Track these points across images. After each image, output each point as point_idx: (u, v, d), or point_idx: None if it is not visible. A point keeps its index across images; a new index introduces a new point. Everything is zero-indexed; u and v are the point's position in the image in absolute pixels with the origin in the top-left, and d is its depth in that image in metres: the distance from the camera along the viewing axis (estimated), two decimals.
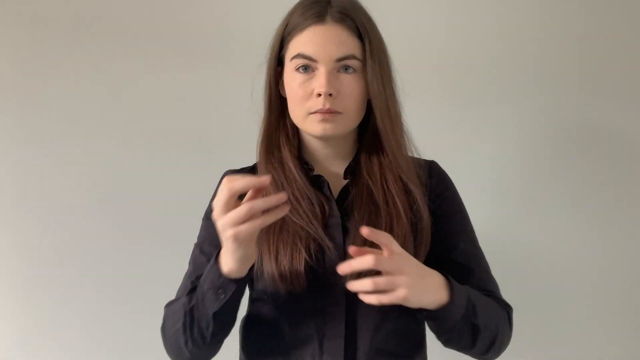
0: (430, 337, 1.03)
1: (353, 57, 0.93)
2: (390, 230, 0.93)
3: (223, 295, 0.87)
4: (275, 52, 0.98)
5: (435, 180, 1.03)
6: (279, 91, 1.00)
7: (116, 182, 1.53)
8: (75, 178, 1.53)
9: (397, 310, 0.94)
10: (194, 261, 1.03)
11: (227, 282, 0.86)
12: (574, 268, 1.50)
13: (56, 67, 1.54)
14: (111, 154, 1.53)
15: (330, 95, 0.92)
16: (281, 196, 0.78)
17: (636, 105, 1.50)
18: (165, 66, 1.53)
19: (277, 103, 1.00)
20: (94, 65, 1.53)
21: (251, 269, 0.97)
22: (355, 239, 0.93)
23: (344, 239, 0.95)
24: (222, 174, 1.07)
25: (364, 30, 0.94)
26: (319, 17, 0.93)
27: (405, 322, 0.97)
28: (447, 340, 0.92)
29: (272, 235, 0.94)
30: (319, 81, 0.92)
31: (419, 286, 0.81)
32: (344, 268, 0.80)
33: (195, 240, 1.05)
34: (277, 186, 0.98)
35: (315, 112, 0.93)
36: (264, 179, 0.78)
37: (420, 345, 1.01)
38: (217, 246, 0.99)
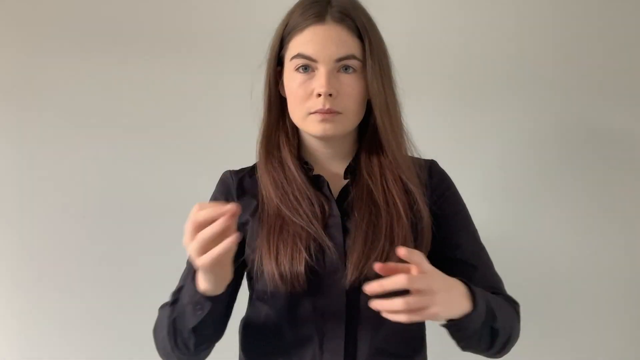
0: (430, 337, 1.03)
1: (353, 57, 0.93)
2: (390, 230, 0.93)
3: (200, 312, 0.87)
4: (275, 52, 0.98)
5: (435, 180, 1.03)
6: (279, 91, 1.00)
7: (116, 182, 1.53)
8: (75, 178, 1.53)
9: None
10: (189, 262, 1.03)
11: (203, 300, 0.87)
12: (575, 268, 1.51)
13: (56, 67, 1.54)
14: (111, 154, 1.53)
15: (330, 95, 0.92)
16: (225, 219, 0.76)
17: (637, 106, 1.50)
18: (165, 66, 1.53)
19: (276, 103, 1.00)
20: (94, 66, 1.53)
21: (251, 269, 0.97)
22: (356, 239, 0.93)
23: (344, 239, 0.95)
24: (221, 174, 1.08)
25: (364, 30, 0.94)
26: (319, 17, 0.93)
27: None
28: (467, 345, 0.93)
29: (272, 235, 0.94)
30: (319, 81, 0.92)
31: (448, 301, 0.80)
32: (373, 288, 0.76)
33: None
34: (277, 186, 0.98)
35: (315, 112, 0.93)
36: (228, 209, 0.76)
37: (420, 345, 1.01)
38: None
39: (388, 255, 0.91)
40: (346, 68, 0.93)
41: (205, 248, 0.77)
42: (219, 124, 1.53)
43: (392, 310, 0.77)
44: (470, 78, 1.51)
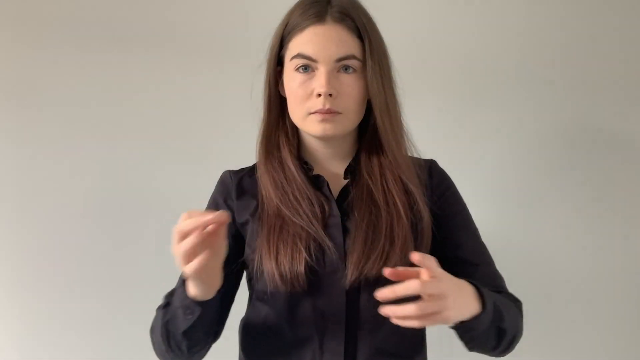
0: (430, 337, 1.03)
1: (353, 57, 0.93)
2: (390, 231, 0.93)
3: (190, 316, 0.87)
4: (274, 52, 0.98)
5: (435, 180, 1.03)
6: (279, 91, 1.00)
7: (115, 182, 1.53)
8: (74, 178, 1.53)
9: None
10: None
11: (193, 304, 0.87)
12: (576, 268, 1.50)
13: (56, 67, 1.53)
14: (110, 154, 1.53)
15: (330, 95, 0.92)
16: (198, 234, 0.76)
17: (638, 107, 1.50)
18: (165, 66, 1.53)
19: (276, 103, 1.00)
20: (94, 66, 1.53)
21: (251, 269, 0.98)
22: (356, 239, 0.93)
23: (344, 239, 0.95)
24: (221, 174, 1.08)
25: (364, 30, 0.94)
26: (319, 17, 0.93)
27: None
28: (474, 346, 0.93)
29: (272, 235, 0.94)
30: (319, 81, 0.92)
31: (459, 304, 0.80)
32: (385, 294, 0.75)
33: None
34: (276, 186, 0.98)
35: (315, 112, 0.93)
36: (212, 218, 0.76)
37: (420, 345, 1.01)
38: None
39: (388, 255, 0.91)
40: (346, 68, 0.93)
41: (190, 257, 0.77)
42: (219, 124, 1.52)
43: (405, 316, 0.75)
44: (471, 78, 1.51)
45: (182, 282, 0.88)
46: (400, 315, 0.75)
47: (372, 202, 0.96)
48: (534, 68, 1.50)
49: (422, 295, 0.75)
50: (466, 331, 0.86)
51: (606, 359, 1.50)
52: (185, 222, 0.77)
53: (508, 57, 1.51)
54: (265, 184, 0.99)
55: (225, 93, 1.51)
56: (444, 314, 0.76)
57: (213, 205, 1.05)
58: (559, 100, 1.50)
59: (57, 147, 1.53)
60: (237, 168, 1.07)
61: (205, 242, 0.78)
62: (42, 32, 1.54)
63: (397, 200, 0.95)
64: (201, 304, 0.86)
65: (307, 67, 0.93)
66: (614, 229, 1.50)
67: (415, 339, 1.00)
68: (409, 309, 0.74)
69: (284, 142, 1.01)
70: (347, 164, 1.01)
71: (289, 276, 0.91)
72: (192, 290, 0.85)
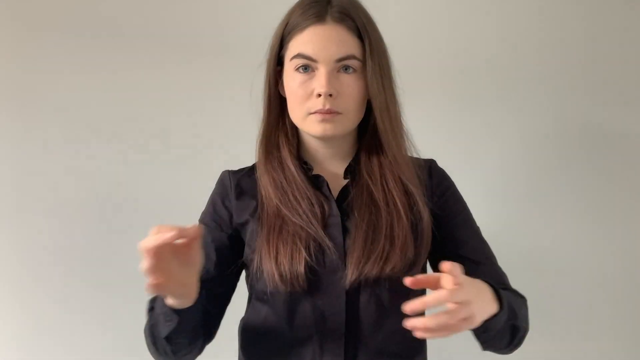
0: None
1: (353, 57, 0.93)
2: (390, 231, 0.93)
3: (170, 322, 0.87)
4: (274, 51, 0.98)
5: (435, 180, 1.03)
6: (279, 91, 1.00)
7: (115, 182, 1.53)
8: (74, 178, 1.53)
9: (398, 311, 0.94)
10: None
11: (170, 312, 0.86)
12: (578, 269, 1.51)
13: (55, 67, 1.53)
14: (110, 154, 1.53)
15: (330, 95, 0.92)
16: (150, 259, 0.73)
17: (638, 107, 1.50)
18: (165, 66, 1.53)
19: (276, 103, 1.00)
20: (93, 65, 1.53)
21: (250, 269, 0.97)
22: (356, 239, 0.93)
23: (344, 239, 0.94)
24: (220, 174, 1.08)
25: (364, 30, 0.94)
26: (319, 17, 0.93)
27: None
28: (489, 345, 0.93)
29: (272, 235, 0.94)
30: (319, 81, 0.92)
31: (482, 307, 0.79)
32: (415, 306, 0.71)
33: None
34: (276, 186, 0.98)
35: (315, 113, 0.93)
36: (180, 233, 0.73)
37: (420, 345, 1.01)
38: (208, 253, 1.00)
39: (388, 256, 0.91)
40: (346, 68, 0.93)
41: (153, 274, 0.75)
42: (218, 124, 1.52)
43: (439, 328, 0.72)
44: (470, 78, 1.51)
45: None
46: (432, 327, 0.72)
47: (372, 202, 0.96)
48: (534, 68, 1.51)
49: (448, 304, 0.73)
50: (484, 331, 0.84)
51: (606, 358, 1.50)
52: (146, 240, 0.74)
53: (508, 57, 1.51)
54: (265, 184, 0.99)
55: (225, 93, 1.51)
56: (470, 320, 0.74)
57: (211, 205, 1.05)
58: (559, 100, 1.51)
59: (57, 146, 1.53)
60: (236, 168, 1.07)
61: (178, 254, 0.76)
62: (42, 32, 1.54)
63: (397, 201, 0.95)
64: (179, 312, 0.85)
65: (307, 67, 0.93)
66: (614, 229, 1.51)
67: (415, 340, 0.99)
68: (441, 319, 0.71)
69: (284, 142, 1.01)
70: (347, 164, 1.01)
71: (288, 276, 0.91)
72: (169, 299, 0.84)
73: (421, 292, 1.01)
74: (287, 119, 1.00)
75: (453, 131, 1.51)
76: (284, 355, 0.95)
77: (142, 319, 0.97)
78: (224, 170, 1.07)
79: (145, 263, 0.73)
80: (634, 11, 1.50)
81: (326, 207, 0.96)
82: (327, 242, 0.93)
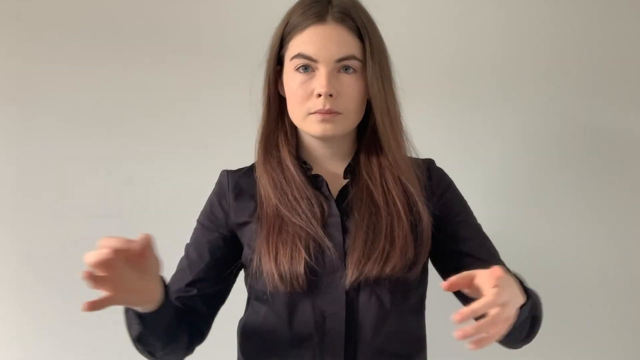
0: (430, 337, 1.03)
1: (353, 57, 0.93)
2: (390, 231, 0.93)
3: (136, 325, 0.86)
4: (274, 51, 0.98)
5: (435, 181, 1.03)
6: (278, 91, 1.00)
7: (114, 181, 1.53)
8: (74, 177, 1.53)
9: (398, 311, 0.94)
10: (179, 262, 1.04)
11: (134, 315, 0.85)
12: (578, 269, 1.50)
13: (55, 67, 1.53)
14: (110, 154, 1.53)
15: (331, 95, 0.92)
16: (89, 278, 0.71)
17: (638, 107, 1.50)
18: (164, 66, 1.53)
19: (276, 103, 1.00)
20: (94, 66, 1.53)
21: (250, 269, 0.97)
22: (356, 239, 0.93)
23: (344, 239, 0.94)
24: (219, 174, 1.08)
25: (364, 30, 0.94)
26: (320, 17, 0.93)
27: (405, 322, 0.97)
28: (509, 339, 0.88)
29: (271, 235, 0.94)
30: (320, 81, 0.92)
31: (515, 303, 0.77)
32: (465, 315, 0.68)
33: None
34: (275, 186, 0.98)
35: (315, 113, 0.93)
36: (107, 253, 0.71)
37: (420, 345, 1.01)
38: (201, 253, 1.00)
39: (388, 256, 0.91)
40: (346, 68, 0.93)
41: (101, 286, 0.73)
42: (218, 124, 1.52)
43: (497, 334, 0.70)
44: (471, 78, 1.51)
45: None
46: (493, 334, 0.70)
47: (372, 202, 0.96)
48: (534, 68, 1.50)
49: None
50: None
51: (606, 358, 1.50)
52: (87, 255, 0.73)
53: (508, 57, 1.51)
54: (264, 184, 0.99)
55: (224, 92, 1.50)
56: (509, 319, 0.73)
57: (208, 205, 1.05)
58: (559, 100, 1.50)
59: (57, 147, 1.53)
60: (236, 168, 1.07)
61: (133, 263, 0.75)
62: (42, 32, 1.53)
63: (397, 201, 0.95)
64: (143, 316, 0.84)
65: (307, 67, 0.93)
66: (615, 229, 1.50)
67: (415, 339, 1.00)
68: (485, 327, 0.69)
69: (283, 142, 1.01)
70: (347, 164, 1.01)
71: (288, 276, 0.91)
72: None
73: (422, 292, 1.02)
74: (286, 119, 1.00)
75: (453, 131, 1.50)
76: (284, 356, 0.94)
77: None
78: (222, 169, 1.07)
79: (86, 275, 0.71)
80: (635, 11, 1.50)
81: (326, 207, 0.96)
82: (327, 242, 0.93)
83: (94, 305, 0.72)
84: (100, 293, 0.73)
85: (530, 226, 1.51)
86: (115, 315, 1.49)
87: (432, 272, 1.04)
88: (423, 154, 1.04)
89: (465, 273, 0.76)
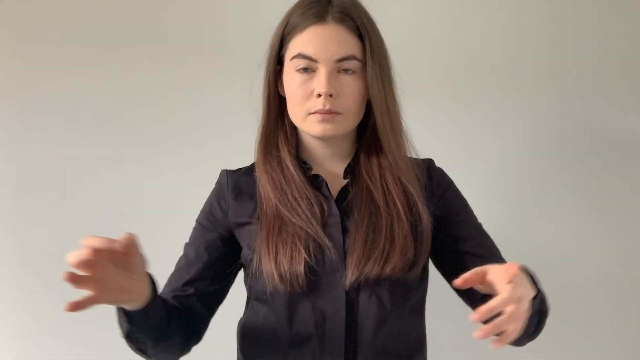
0: (430, 337, 1.03)
1: (353, 57, 0.93)
2: (390, 231, 0.93)
3: (125, 323, 0.85)
4: (274, 51, 0.98)
5: (435, 181, 1.03)
6: (278, 91, 1.00)
7: (114, 181, 1.53)
8: (74, 177, 1.53)
9: (398, 311, 0.94)
10: (178, 262, 1.04)
11: (121, 313, 0.84)
12: (578, 269, 1.50)
13: (55, 67, 1.53)
14: (109, 154, 1.53)
15: (331, 95, 0.92)
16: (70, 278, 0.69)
17: (638, 107, 1.50)
18: (164, 66, 1.53)
19: (275, 102, 1.00)
20: (94, 66, 1.53)
21: (250, 269, 0.97)
22: (356, 239, 0.93)
23: (344, 239, 0.94)
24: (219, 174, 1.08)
25: (364, 30, 0.94)
26: (320, 17, 0.93)
27: (406, 322, 0.96)
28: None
29: (271, 235, 0.94)
30: (320, 81, 0.92)
31: (528, 296, 0.77)
32: (482, 314, 0.68)
33: None
34: (275, 186, 0.98)
35: (315, 113, 0.93)
36: (86, 254, 0.70)
37: (420, 345, 1.01)
38: (199, 253, 1.00)
39: (388, 256, 0.91)
40: (346, 70, 0.93)
41: (86, 285, 0.72)
42: (218, 123, 1.52)
43: (515, 331, 0.70)
44: (471, 78, 1.51)
45: None
46: (515, 330, 0.70)
47: (371, 203, 0.96)
48: (534, 68, 1.50)
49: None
50: None
51: (606, 358, 1.50)
52: (69, 255, 0.72)
53: (508, 57, 1.51)
54: (264, 184, 0.99)
55: (224, 92, 1.50)
56: (524, 314, 0.73)
57: (207, 205, 1.05)
58: (559, 100, 1.50)
59: (57, 146, 1.53)
60: (235, 168, 1.07)
61: (116, 262, 0.75)
62: (42, 32, 1.53)
63: (397, 201, 0.95)
64: (130, 314, 0.83)
65: (307, 69, 0.93)
66: (615, 229, 1.50)
67: (415, 339, 1.00)
68: (505, 321, 0.69)
69: (283, 142, 1.01)
70: (347, 164, 1.01)
71: (288, 276, 0.91)
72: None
73: (422, 292, 1.02)
74: (286, 119, 1.00)
75: (453, 131, 1.50)
76: (284, 356, 0.94)
77: None
78: (222, 169, 1.07)
79: (67, 276, 0.69)
80: (636, 11, 1.50)
81: (325, 207, 0.96)
82: (327, 242, 0.93)
83: (78, 306, 0.71)
84: (84, 292, 0.72)
85: (530, 226, 1.51)
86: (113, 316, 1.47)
87: (432, 272, 1.04)
88: (423, 154, 1.04)
89: (477, 269, 0.76)
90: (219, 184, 1.06)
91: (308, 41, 0.92)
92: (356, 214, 0.95)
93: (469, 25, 1.51)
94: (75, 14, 1.54)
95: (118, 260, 0.75)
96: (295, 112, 0.96)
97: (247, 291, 1.02)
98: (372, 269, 0.90)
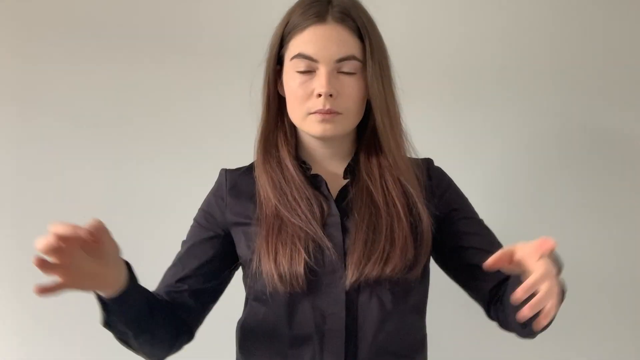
0: (431, 337, 1.03)
1: (353, 57, 0.93)
2: (390, 232, 0.93)
3: (102, 311, 0.84)
4: (274, 51, 0.97)
5: (435, 181, 1.03)
6: (278, 90, 1.00)
7: (114, 181, 1.53)
8: (74, 177, 1.53)
9: (399, 311, 0.94)
10: (174, 258, 1.04)
11: (97, 300, 0.84)
12: (578, 269, 1.49)
13: (55, 67, 1.53)
14: (109, 154, 1.53)
15: (331, 95, 0.92)
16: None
17: (637, 107, 1.50)
18: (164, 66, 1.53)
19: (275, 102, 1.00)
20: (94, 65, 1.52)
21: (249, 270, 0.97)
22: (356, 240, 0.92)
23: (344, 239, 0.94)
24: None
25: (364, 30, 0.94)
26: (320, 17, 0.93)
27: (406, 322, 0.96)
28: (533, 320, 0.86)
29: (271, 236, 0.94)
30: (320, 81, 0.92)
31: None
32: (519, 295, 0.69)
33: None
34: (275, 186, 0.98)
35: (315, 113, 0.93)
36: (53, 239, 0.72)
37: (421, 345, 1.01)
38: (195, 250, 1.00)
39: (388, 256, 0.91)
40: (346, 71, 0.93)
41: (55, 271, 0.73)
42: (217, 123, 1.52)
43: (553, 308, 0.70)
44: (471, 78, 1.51)
45: None
46: (546, 308, 0.70)
47: (371, 203, 0.96)
48: (534, 68, 1.50)
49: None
50: None
51: (606, 358, 1.50)
52: (37, 241, 0.73)
53: (508, 57, 1.51)
54: (264, 183, 0.99)
55: (224, 92, 1.50)
56: (557, 290, 0.72)
57: (205, 204, 1.05)
58: (560, 100, 1.50)
59: (57, 147, 1.53)
60: (233, 168, 1.07)
61: (86, 247, 0.75)
62: (42, 32, 1.53)
63: (397, 201, 0.95)
64: (105, 301, 0.82)
65: (307, 68, 0.93)
66: (615, 229, 1.50)
67: (415, 339, 1.00)
68: (544, 298, 0.69)
69: (283, 142, 1.00)
70: (346, 164, 1.01)
71: (288, 277, 0.91)
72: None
73: (423, 292, 1.01)
74: (286, 119, 1.00)
75: (453, 131, 1.50)
76: (283, 356, 0.94)
77: None
78: (221, 168, 1.07)
79: (36, 261, 0.71)
80: (636, 11, 1.50)
81: (325, 207, 0.96)
82: (327, 242, 0.93)
83: (46, 289, 0.72)
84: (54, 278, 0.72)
85: (530, 226, 1.51)
86: None
87: (433, 273, 1.04)
88: (423, 154, 1.04)
89: (505, 248, 0.76)
90: (217, 183, 1.06)
91: (308, 41, 0.92)
92: (356, 214, 0.95)
93: (469, 25, 1.51)
94: (75, 14, 1.54)
95: (88, 247, 0.75)
96: (295, 112, 0.96)
97: (246, 291, 1.02)
98: (372, 270, 0.90)
